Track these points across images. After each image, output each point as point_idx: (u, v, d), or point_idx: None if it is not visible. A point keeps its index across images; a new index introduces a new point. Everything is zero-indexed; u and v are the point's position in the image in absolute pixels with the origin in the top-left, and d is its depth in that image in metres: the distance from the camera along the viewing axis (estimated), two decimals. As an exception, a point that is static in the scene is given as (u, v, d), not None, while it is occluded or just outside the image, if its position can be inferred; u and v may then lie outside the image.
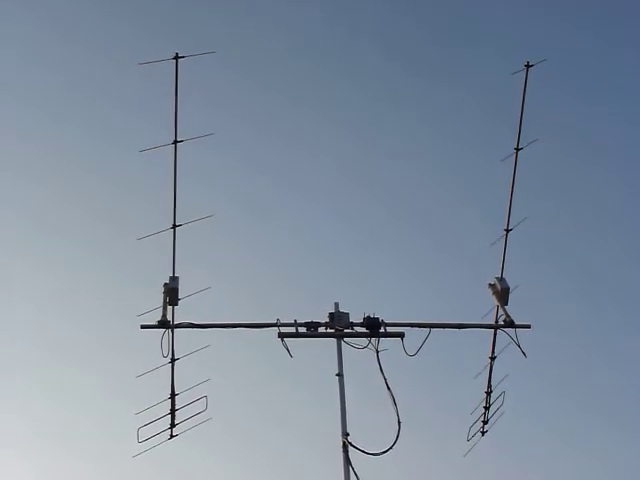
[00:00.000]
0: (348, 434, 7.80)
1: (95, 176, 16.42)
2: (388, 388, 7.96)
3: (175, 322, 8.30)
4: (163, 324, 8.20)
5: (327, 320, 8.30)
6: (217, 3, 17.85)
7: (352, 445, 7.72)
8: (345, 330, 8.26)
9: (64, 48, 17.39)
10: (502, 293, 8.62)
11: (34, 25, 17.41)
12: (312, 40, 18.14)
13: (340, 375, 8.07)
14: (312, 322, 8.26)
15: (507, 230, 8.68)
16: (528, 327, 8.50)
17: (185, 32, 15.91)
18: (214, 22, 17.33)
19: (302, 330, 8.22)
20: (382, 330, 8.24)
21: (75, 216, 16.63)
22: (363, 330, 8.27)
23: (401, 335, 8.24)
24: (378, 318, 8.28)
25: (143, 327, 8.18)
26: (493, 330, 8.70)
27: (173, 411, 8.49)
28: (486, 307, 8.72)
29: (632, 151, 17.74)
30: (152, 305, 8.30)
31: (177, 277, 8.39)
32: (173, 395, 8.48)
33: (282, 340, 8.09)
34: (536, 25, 17.18)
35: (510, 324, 8.49)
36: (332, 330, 8.27)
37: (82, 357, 15.48)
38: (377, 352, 8.14)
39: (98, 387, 15.08)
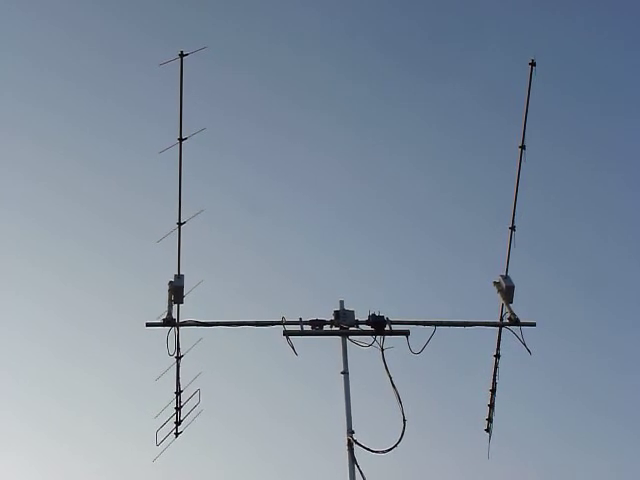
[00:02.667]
0: (353, 432, 7.80)
1: (97, 174, 16.50)
2: (393, 386, 7.96)
3: (180, 320, 8.31)
4: (168, 322, 8.21)
5: (332, 318, 8.30)
6: (217, 2, 17.92)
7: (357, 443, 7.72)
8: (350, 328, 8.26)
9: (66, 47, 17.50)
10: (507, 291, 8.61)
11: (38, 26, 17.50)
12: (314, 37, 18.18)
13: (345, 373, 8.07)
14: (317, 320, 8.27)
15: (512, 228, 8.68)
16: (533, 325, 8.50)
17: (183, 29, 15.98)
18: (214, 20, 17.37)
19: (307, 328, 8.23)
20: (387, 328, 8.23)
21: (77, 215, 16.71)
22: (368, 328, 8.27)
23: (406, 333, 8.23)
24: (383, 316, 8.28)
25: (148, 325, 8.19)
26: (498, 328, 8.71)
27: (178, 409, 8.50)
28: (491, 305, 8.74)
29: (636, 149, 17.76)
30: (156, 303, 8.34)
31: (182, 275, 8.40)
32: (178, 393, 8.50)
33: (287, 338, 8.09)
34: (539, 22, 17.20)
35: (515, 322, 8.47)
36: (337, 328, 8.27)
37: (85, 356, 15.55)
38: (382, 350, 8.14)
39: (102, 386, 15.15)
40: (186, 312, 8.35)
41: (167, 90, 8.14)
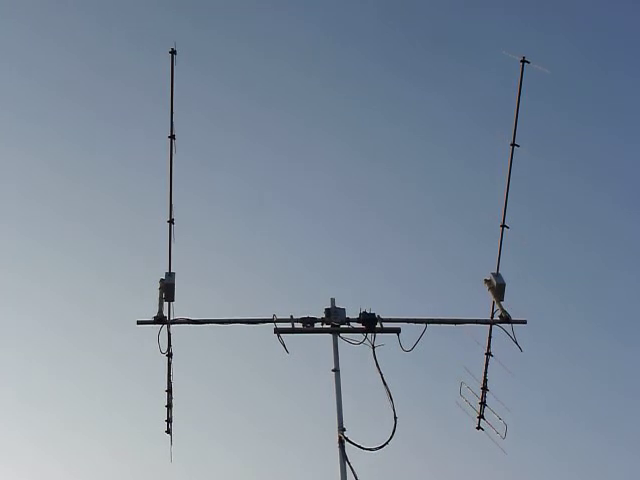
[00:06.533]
0: (344, 429, 7.81)
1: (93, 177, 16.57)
2: (384, 383, 7.97)
3: (171, 318, 8.30)
4: (159, 320, 8.20)
5: (323, 316, 8.30)
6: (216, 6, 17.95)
7: (348, 440, 7.74)
8: (341, 326, 8.26)
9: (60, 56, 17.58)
10: (498, 289, 8.61)
11: (30, 35, 17.57)
12: (307, 50, 18.27)
13: (336, 370, 8.08)
14: (308, 318, 8.26)
15: (503, 226, 8.68)
16: (524, 322, 8.51)
17: (179, 38, 16.01)
18: (212, 23, 17.43)
19: (298, 326, 8.23)
20: (378, 325, 8.24)
21: (69, 213, 16.73)
22: (359, 326, 8.27)
23: (397, 331, 8.24)
24: (374, 313, 8.28)
25: (139, 323, 8.18)
26: (489, 325, 8.71)
27: (169, 407, 8.50)
28: (482, 303, 8.74)
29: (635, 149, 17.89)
30: (148, 301, 8.34)
31: (173, 273, 8.38)
32: (169, 391, 8.49)
33: (278, 336, 8.10)
34: (532, 31, 17.28)
35: (506, 319, 8.48)
36: (328, 326, 8.27)
37: (77, 355, 15.55)
38: (373, 347, 8.14)
39: (95, 386, 15.17)
40: (177, 310, 8.38)
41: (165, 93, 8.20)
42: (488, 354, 8.81)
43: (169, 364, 8.44)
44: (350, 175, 16.87)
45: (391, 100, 17.57)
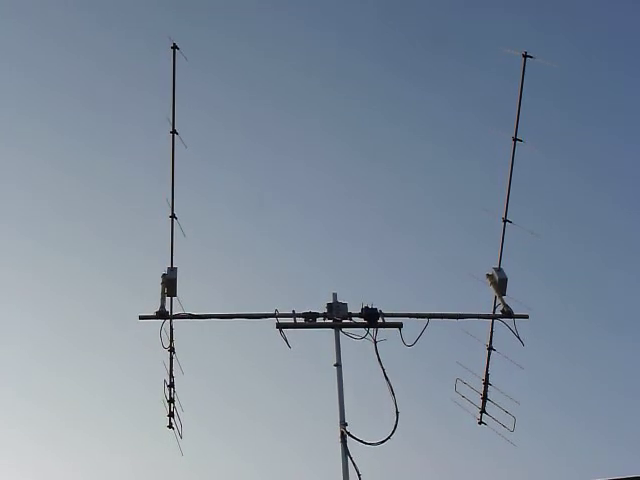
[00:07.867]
0: (346, 424, 7.81)
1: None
2: (386, 378, 7.97)
3: (173, 313, 8.30)
4: (161, 315, 8.20)
5: (325, 311, 8.30)
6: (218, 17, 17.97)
7: (350, 435, 7.73)
8: (343, 320, 8.26)
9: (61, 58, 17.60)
10: (500, 283, 8.62)
11: (30, 35, 17.59)
12: (307, 50, 18.31)
13: (338, 365, 8.07)
14: (310, 313, 8.26)
15: (505, 220, 8.68)
16: (526, 317, 8.51)
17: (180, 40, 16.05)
18: (211, 27, 17.46)
19: (300, 321, 8.22)
20: (380, 320, 8.24)
21: (70, 213, 16.77)
22: (361, 320, 8.27)
23: (399, 325, 8.24)
24: (376, 308, 8.28)
25: (141, 318, 8.18)
26: (491, 320, 8.71)
27: (171, 401, 8.51)
28: (484, 298, 8.74)
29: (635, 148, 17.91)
30: (150, 296, 8.35)
31: (175, 268, 8.39)
32: (171, 385, 8.50)
33: (280, 331, 8.09)
34: (532, 31, 17.30)
35: (508, 314, 8.49)
36: (330, 321, 8.27)
37: (74, 351, 15.58)
38: (375, 342, 8.14)
39: (96, 383, 15.18)
40: (179, 305, 8.38)
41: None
42: (490, 349, 8.82)
43: (171, 359, 8.46)
44: (350, 175, 16.92)
45: (391, 100, 17.62)
